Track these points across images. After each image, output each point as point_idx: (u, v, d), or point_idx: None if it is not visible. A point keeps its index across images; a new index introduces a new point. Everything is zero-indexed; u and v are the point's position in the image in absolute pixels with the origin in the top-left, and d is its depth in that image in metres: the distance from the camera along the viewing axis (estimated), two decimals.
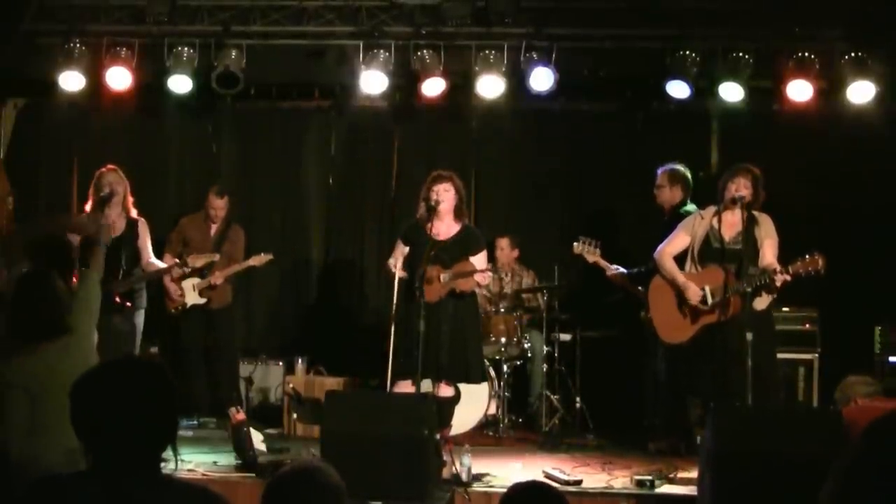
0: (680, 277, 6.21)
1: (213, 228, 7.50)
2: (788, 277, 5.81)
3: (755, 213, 6.12)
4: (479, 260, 6.38)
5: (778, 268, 5.83)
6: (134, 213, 6.87)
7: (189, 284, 7.28)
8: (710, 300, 6.04)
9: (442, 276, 6.20)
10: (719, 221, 6.13)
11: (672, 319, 6.27)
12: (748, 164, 6.18)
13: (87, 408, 2.20)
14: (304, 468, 2.47)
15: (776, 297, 6.13)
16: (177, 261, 6.96)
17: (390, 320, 6.27)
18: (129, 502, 2.13)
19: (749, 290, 5.88)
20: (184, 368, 7.26)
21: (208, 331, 7.41)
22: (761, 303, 6.04)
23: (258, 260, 7.31)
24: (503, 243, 7.95)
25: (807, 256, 5.76)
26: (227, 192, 7.55)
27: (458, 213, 6.39)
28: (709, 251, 6.16)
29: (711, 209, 6.23)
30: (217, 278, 7.27)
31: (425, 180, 6.44)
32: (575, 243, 6.91)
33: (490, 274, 6.34)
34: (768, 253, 6.03)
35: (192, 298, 7.29)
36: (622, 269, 6.87)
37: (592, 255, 6.88)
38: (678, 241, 6.31)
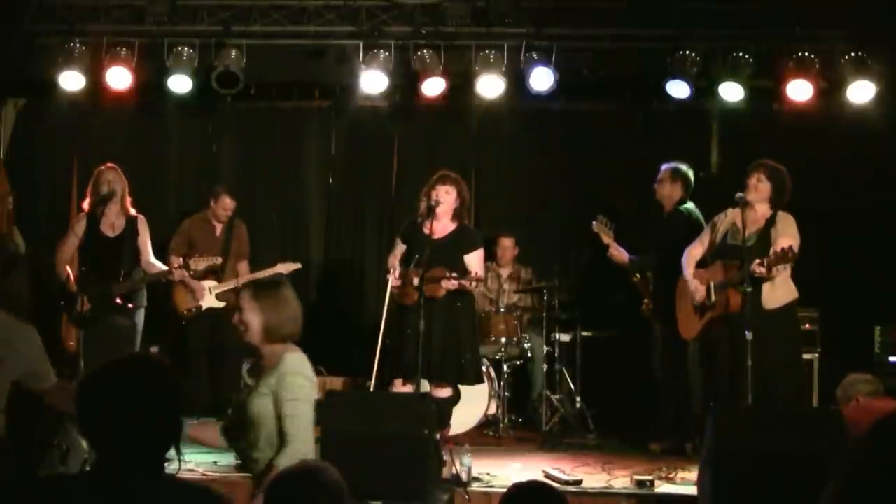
0: (689, 279, 6.23)
1: (218, 228, 7.48)
2: (763, 270, 5.72)
3: (780, 213, 6.06)
4: (473, 258, 6.35)
5: (756, 261, 5.75)
6: (132, 211, 6.84)
7: (206, 287, 7.26)
8: (713, 296, 6.04)
9: (414, 280, 6.19)
10: (734, 217, 6.11)
11: (688, 316, 6.36)
12: (767, 160, 6.15)
13: (92, 406, 2.20)
14: (306, 467, 2.48)
15: (797, 297, 6.06)
16: (181, 261, 6.92)
17: (382, 323, 6.30)
18: (133, 502, 2.13)
19: (739, 284, 5.87)
20: (189, 368, 7.25)
21: (214, 332, 7.35)
22: (773, 301, 5.97)
23: (286, 267, 7.27)
24: (508, 242, 7.96)
25: (780, 249, 5.68)
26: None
27: (456, 216, 6.38)
28: (721, 248, 6.15)
29: (736, 210, 6.19)
30: (243, 280, 7.22)
31: (431, 177, 6.44)
32: (594, 221, 6.94)
33: (455, 283, 6.18)
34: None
35: (209, 302, 7.26)
36: (625, 253, 6.89)
37: (608, 236, 6.91)
38: (699, 243, 6.33)
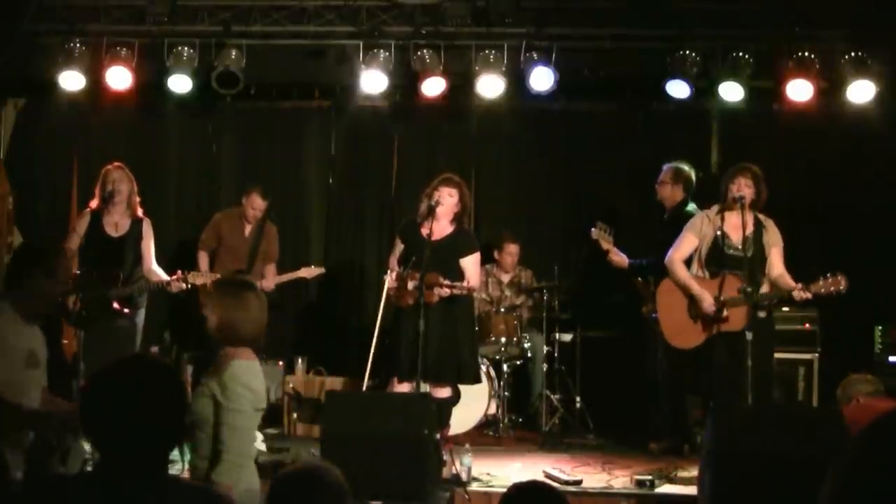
0: (695, 287, 6.08)
1: (248, 228, 7.45)
2: (809, 296, 5.78)
3: (761, 216, 6.08)
4: (469, 262, 6.35)
5: (798, 286, 5.78)
6: (140, 213, 6.77)
7: None
8: (725, 310, 5.91)
9: (410, 284, 6.18)
10: (723, 221, 6.10)
11: (682, 324, 6.17)
12: (748, 163, 6.17)
13: (95, 407, 2.20)
14: (309, 468, 2.48)
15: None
16: (175, 276, 6.80)
17: (377, 322, 6.30)
18: (135, 502, 2.13)
19: (765, 302, 5.89)
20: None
21: None
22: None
23: (309, 272, 7.24)
24: (513, 248, 7.94)
25: (829, 277, 5.71)
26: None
27: (455, 219, 6.37)
28: (717, 255, 6.09)
29: (716, 208, 6.19)
30: (268, 284, 7.14)
31: (434, 178, 6.44)
32: (593, 228, 6.92)
33: (448, 292, 6.17)
34: (776, 262, 6.01)
35: None
36: (625, 258, 6.88)
37: (607, 242, 6.89)
38: (686, 244, 6.22)
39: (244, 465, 3.66)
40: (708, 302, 6.01)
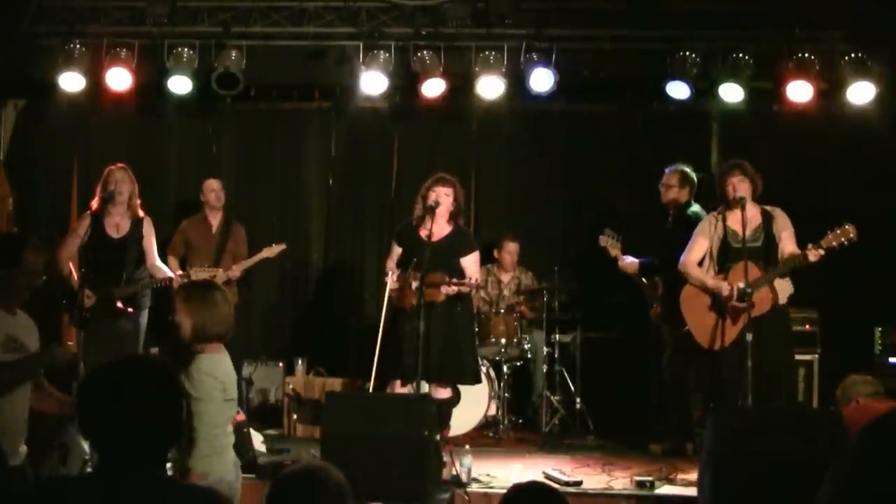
0: (710, 281, 6.04)
1: (215, 227, 7.44)
2: (822, 252, 5.70)
3: (767, 207, 6.07)
4: (469, 261, 6.36)
5: (809, 246, 5.73)
6: (140, 213, 6.77)
7: None
8: (746, 296, 5.82)
9: (413, 284, 6.18)
10: (724, 220, 6.08)
11: (711, 325, 6.04)
12: (736, 159, 6.17)
13: (92, 407, 2.20)
14: (310, 468, 2.48)
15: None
16: (180, 272, 6.79)
17: (381, 325, 6.31)
18: (133, 502, 2.13)
19: (779, 275, 5.86)
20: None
21: None
22: (783, 296, 5.97)
23: (271, 251, 7.27)
24: (513, 247, 7.93)
25: (836, 229, 5.67)
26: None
27: (452, 218, 6.38)
28: (728, 251, 6.06)
29: (719, 209, 6.18)
30: (234, 272, 7.18)
31: (426, 179, 6.44)
32: (601, 236, 6.94)
33: (455, 289, 6.19)
34: (788, 244, 5.96)
35: None
36: (635, 260, 6.86)
37: (615, 248, 6.90)
38: (698, 247, 6.17)
39: (216, 454, 3.80)
40: (725, 288, 5.91)
